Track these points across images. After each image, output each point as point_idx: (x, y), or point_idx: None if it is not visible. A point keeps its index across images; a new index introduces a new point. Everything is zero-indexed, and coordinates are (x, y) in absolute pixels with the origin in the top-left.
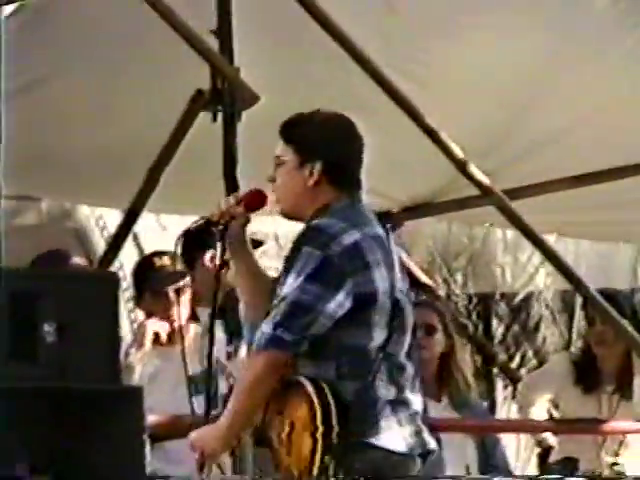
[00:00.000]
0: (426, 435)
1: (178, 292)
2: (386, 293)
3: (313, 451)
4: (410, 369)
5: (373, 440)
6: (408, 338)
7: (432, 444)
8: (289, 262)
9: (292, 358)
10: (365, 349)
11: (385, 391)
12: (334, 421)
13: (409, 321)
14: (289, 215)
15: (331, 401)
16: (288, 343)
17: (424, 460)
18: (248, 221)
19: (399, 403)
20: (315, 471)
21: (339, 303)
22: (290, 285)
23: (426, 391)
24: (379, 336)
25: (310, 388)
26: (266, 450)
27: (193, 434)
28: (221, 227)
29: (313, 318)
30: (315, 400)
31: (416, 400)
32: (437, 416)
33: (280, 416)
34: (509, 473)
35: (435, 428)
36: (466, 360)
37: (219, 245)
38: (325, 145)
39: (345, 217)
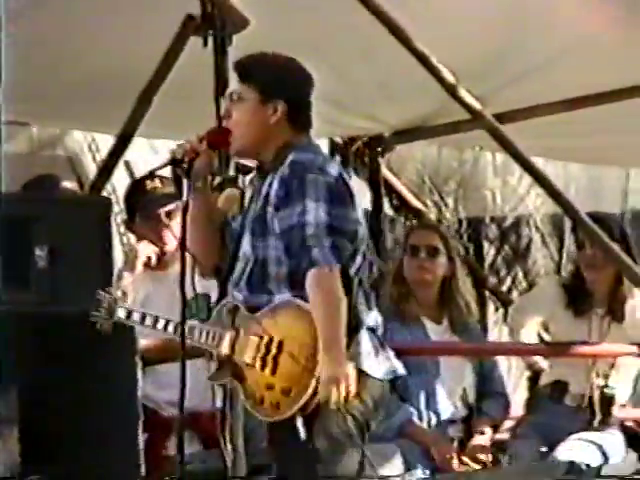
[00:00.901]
0: (395, 360)
1: (169, 215)
2: (362, 220)
3: (313, 367)
4: (371, 293)
5: (353, 364)
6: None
7: (400, 369)
8: (287, 193)
9: None
10: (349, 275)
11: (366, 317)
12: None
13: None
14: (244, 152)
15: None
16: (344, 256)
17: (393, 385)
18: (212, 159)
19: (373, 330)
20: (312, 385)
21: (360, 222)
22: (314, 210)
23: (427, 313)
24: (357, 262)
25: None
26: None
27: (330, 372)
28: (185, 165)
29: (347, 237)
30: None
31: (380, 325)
32: (436, 338)
33: (259, 339)
34: (506, 397)
35: (429, 351)
36: (467, 284)
37: (185, 182)
38: (288, 85)
39: (315, 152)
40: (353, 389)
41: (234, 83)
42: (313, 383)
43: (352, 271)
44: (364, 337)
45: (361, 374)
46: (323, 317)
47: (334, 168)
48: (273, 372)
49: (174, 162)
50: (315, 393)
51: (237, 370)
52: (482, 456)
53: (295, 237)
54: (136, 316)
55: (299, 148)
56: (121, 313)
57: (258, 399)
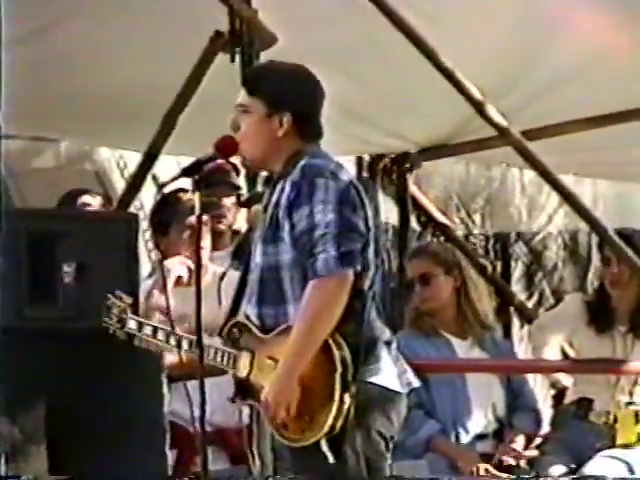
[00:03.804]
0: (410, 373)
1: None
2: (371, 230)
3: (331, 391)
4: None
5: (375, 379)
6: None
7: (415, 382)
8: (297, 196)
9: None
10: (362, 289)
11: (380, 332)
12: (349, 361)
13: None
14: (254, 164)
15: (343, 342)
16: (356, 258)
17: (408, 396)
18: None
19: (389, 343)
20: (334, 410)
21: (370, 231)
22: (322, 212)
23: (450, 329)
24: (370, 275)
25: None
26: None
27: (270, 394)
28: (197, 177)
29: (359, 241)
30: (330, 340)
31: (393, 338)
32: (462, 354)
33: (275, 363)
34: (537, 412)
35: (454, 368)
36: (483, 295)
37: (196, 195)
38: (294, 96)
39: (326, 158)
40: (292, 410)
41: (242, 95)
42: (335, 405)
43: (366, 283)
44: (383, 352)
45: (382, 389)
46: (301, 330)
47: (346, 174)
48: None
49: (186, 173)
50: (338, 415)
51: (257, 392)
52: (510, 459)
53: (304, 241)
54: (148, 329)
55: (310, 154)
56: (132, 324)
57: (281, 424)
